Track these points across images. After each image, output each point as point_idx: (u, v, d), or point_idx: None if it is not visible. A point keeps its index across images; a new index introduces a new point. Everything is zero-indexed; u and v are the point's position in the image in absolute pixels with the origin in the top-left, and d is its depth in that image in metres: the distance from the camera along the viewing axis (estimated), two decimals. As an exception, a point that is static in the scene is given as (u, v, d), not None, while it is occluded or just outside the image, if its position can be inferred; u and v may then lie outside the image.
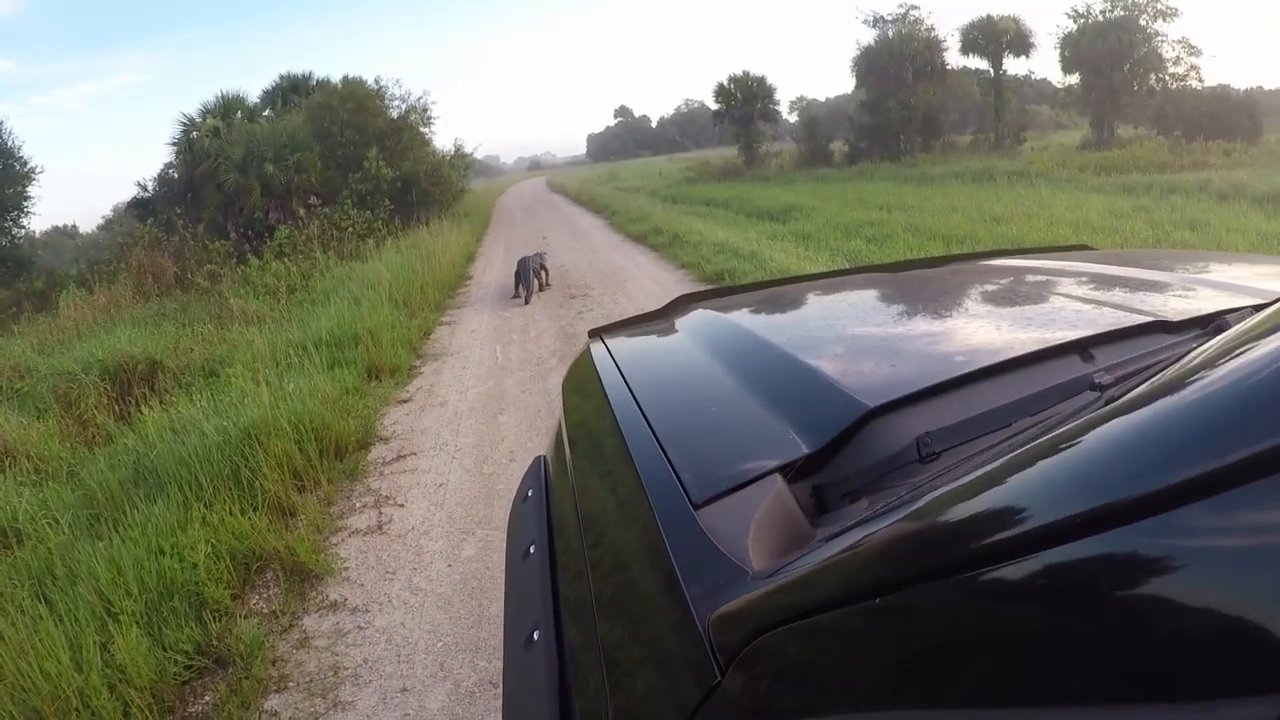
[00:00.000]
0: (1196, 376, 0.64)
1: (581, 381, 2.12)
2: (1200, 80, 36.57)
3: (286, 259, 19.13)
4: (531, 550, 1.74)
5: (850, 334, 1.91)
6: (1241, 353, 0.62)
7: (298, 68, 48.78)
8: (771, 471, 1.24)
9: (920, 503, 0.82)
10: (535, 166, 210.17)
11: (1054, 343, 1.49)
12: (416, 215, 26.92)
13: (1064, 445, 0.69)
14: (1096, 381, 1.15)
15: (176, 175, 28.87)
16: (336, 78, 31.41)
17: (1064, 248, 3.31)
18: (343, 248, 21.25)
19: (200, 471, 6.16)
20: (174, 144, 28.56)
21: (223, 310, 14.80)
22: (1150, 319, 1.56)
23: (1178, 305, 1.68)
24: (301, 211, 23.91)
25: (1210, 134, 30.37)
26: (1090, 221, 15.00)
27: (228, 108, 29.30)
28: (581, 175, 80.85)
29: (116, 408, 9.73)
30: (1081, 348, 1.49)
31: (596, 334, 2.39)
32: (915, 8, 43.11)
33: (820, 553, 0.91)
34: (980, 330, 1.78)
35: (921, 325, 1.97)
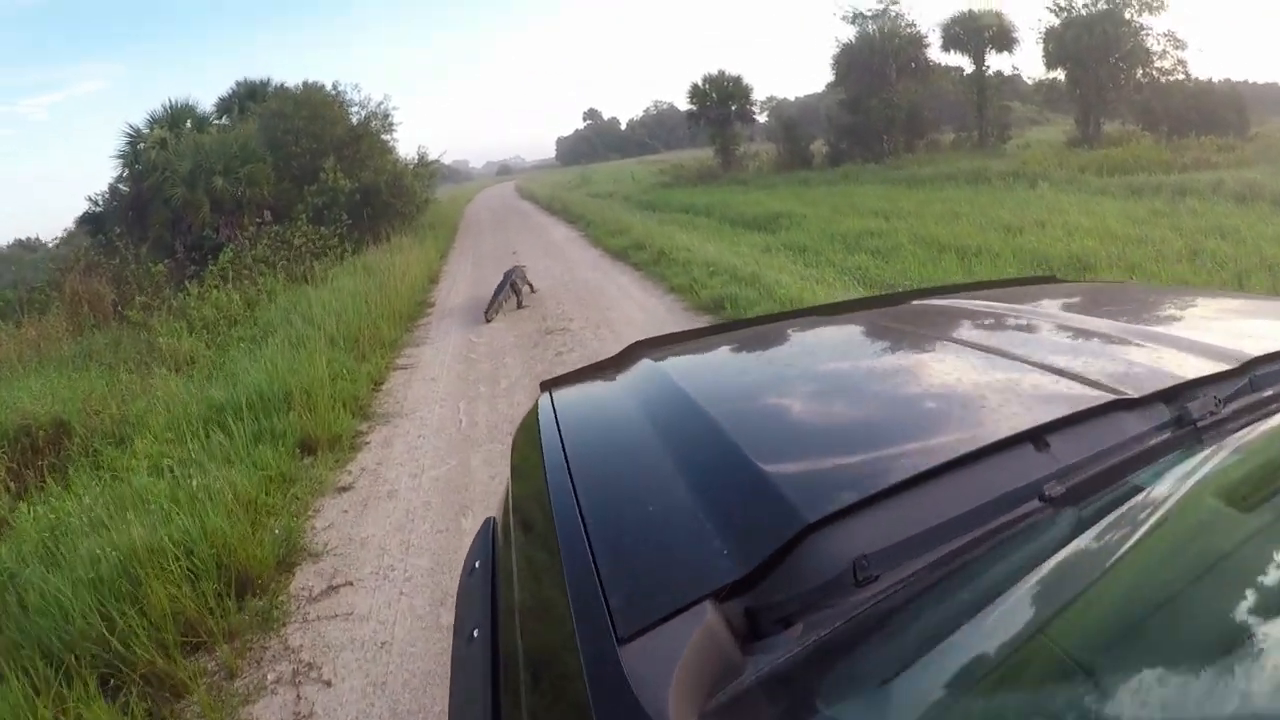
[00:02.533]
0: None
1: (527, 446, 2.02)
2: (1187, 74, 35.88)
3: (230, 284, 17.41)
4: (475, 635, 1.67)
5: (794, 413, 1.78)
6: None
7: (257, 74, 47.16)
8: (702, 599, 1.17)
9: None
10: (504, 171, 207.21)
11: (1007, 433, 1.41)
12: (376, 229, 25.26)
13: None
14: (1046, 493, 1.23)
15: (126, 190, 27.12)
16: (297, 84, 29.55)
17: (1028, 280, 3.40)
18: (294, 268, 19.61)
19: (62, 628, 4.65)
20: (120, 157, 26.86)
21: (151, 350, 13.05)
22: (1110, 396, 1.52)
23: (1140, 374, 1.64)
24: (251, 228, 22.12)
25: (1199, 129, 29.61)
26: (1111, 230, 13.82)
27: (176, 117, 27.65)
28: (552, 180, 78.65)
29: (12, 486, 8.20)
30: (1036, 436, 1.43)
31: (548, 386, 2.32)
32: (895, 3, 41.82)
33: None
34: (930, 412, 1.64)
35: (867, 404, 1.81)
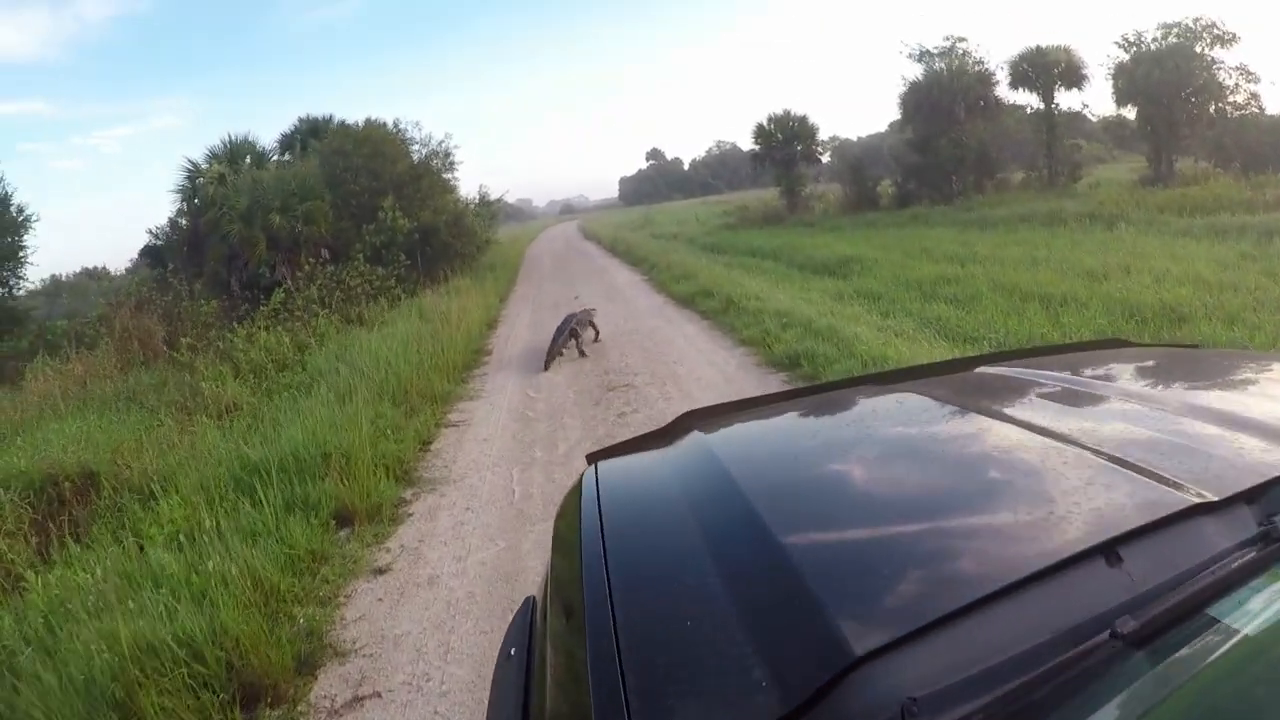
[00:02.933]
0: None
1: (568, 526, 1.92)
2: (1260, 108, 34.42)
3: (282, 326, 16.95)
4: None
5: (845, 514, 1.66)
6: None
7: (321, 110, 47.18)
8: None
9: None
10: (567, 210, 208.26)
11: (1075, 549, 1.27)
12: (435, 270, 24.95)
13: None
14: (1116, 630, 1.10)
15: (185, 224, 27.04)
16: (360, 121, 29.24)
17: (1096, 344, 3.17)
18: (349, 310, 19.18)
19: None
20: (179, 191, 26.77)
21: (195, 394, 12.52)
22: (1188, 500, 1.36)
23: (1220, 469, 1.48)
24: (307, 267, 21.75)
25: (1274, 165, 28.87)
26: (1201, 276, 12.93)
27: (235, 153, 27.48)
28: (615, 220, 78.45)
29: (33, 540, 7.69)
30: (1107, 550, 1.28)
31: (595, 459, 2.21)
32: (962, 40, 40.93)
33: None
34: (993, 518, 1.50)
35: (924, 506, 1.63)
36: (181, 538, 6.39)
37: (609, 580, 1.51)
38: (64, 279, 47.86)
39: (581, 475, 2.07)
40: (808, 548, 1.47)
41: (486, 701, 1.85)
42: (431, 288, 22.28)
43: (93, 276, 46.68)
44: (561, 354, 12.71)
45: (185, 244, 25.79)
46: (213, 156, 26.95)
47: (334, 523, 6.94)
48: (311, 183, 25.20)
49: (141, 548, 6.52)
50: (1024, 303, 12.68)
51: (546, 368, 12.26)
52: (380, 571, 6.15)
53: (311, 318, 17.83)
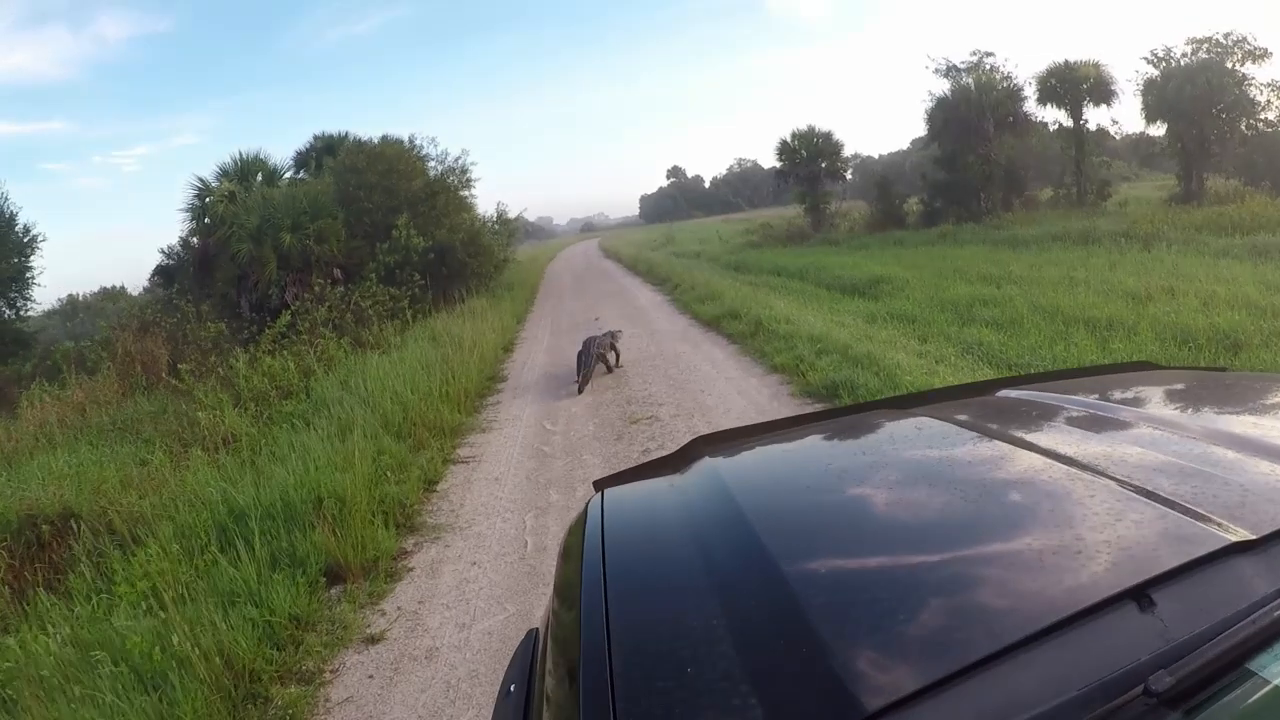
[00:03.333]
0: None
1: (571, 558, 1.86)
2: (1292, 125, 33.83)
3: (288, 350, 16.28)
4: None
5: (856, 552, 1.59)
6: None
7: (339, 128, 47.06)
8: None
9: None
10: (588, 228, 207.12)
11: (1103, 593, 1.18)
12: (451, 290, 24.50)
13: None
14: (1150, 686, 1.00)
15: (196, 243, 26.62)
16: (376, 138, 28.72)
17: (1124, 367, 3.13)
18: (360, 332, 18.55)
19: None
20: (188, 210, 26.41)
21: (192, 424, 11.86)
22: (1224, 538, 1.26)
23: (1257, 503, 1.38)
24: (317, 287, 21.13)
25: None
26: (1250, 299, 12.29)
27: (246, 170, 27.10)
28: (636, 239, 77.88)
29: (7, 590, 7.18)
30: (1139, 594, 1.18)
31: (602, 486, 2.14)
32: (990, 55, 40.31)
33: None
34: (1015, 557, 1.41)
35: (941, 542, 1.53)
36: (150, 600, 5.71)
37: (608, 618, 1.44)
38: (81, 299, 47.83)
39: (587, 503, 1.99)
40: (817, 590, 1.38)
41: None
42: (446, 308, 21.79)
43: (110, 296, 46.58)
44: (589, 379, 12.29)
45: (195, 264, 25.39)
46: (223, 174, 26.60)
47: (324, 579, 6.23)
48: (324, 201, 24.77)
49: (111, 607, 5.87)
50: (1068, 327, 12.10)
51: (580, 391, 11.91)
52: (373, 640, 5.44)
53: (319, 340, 17.20)
